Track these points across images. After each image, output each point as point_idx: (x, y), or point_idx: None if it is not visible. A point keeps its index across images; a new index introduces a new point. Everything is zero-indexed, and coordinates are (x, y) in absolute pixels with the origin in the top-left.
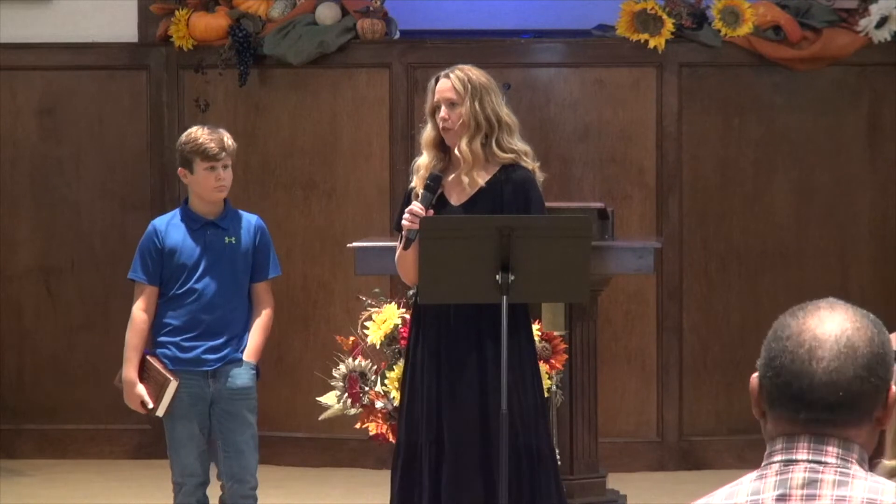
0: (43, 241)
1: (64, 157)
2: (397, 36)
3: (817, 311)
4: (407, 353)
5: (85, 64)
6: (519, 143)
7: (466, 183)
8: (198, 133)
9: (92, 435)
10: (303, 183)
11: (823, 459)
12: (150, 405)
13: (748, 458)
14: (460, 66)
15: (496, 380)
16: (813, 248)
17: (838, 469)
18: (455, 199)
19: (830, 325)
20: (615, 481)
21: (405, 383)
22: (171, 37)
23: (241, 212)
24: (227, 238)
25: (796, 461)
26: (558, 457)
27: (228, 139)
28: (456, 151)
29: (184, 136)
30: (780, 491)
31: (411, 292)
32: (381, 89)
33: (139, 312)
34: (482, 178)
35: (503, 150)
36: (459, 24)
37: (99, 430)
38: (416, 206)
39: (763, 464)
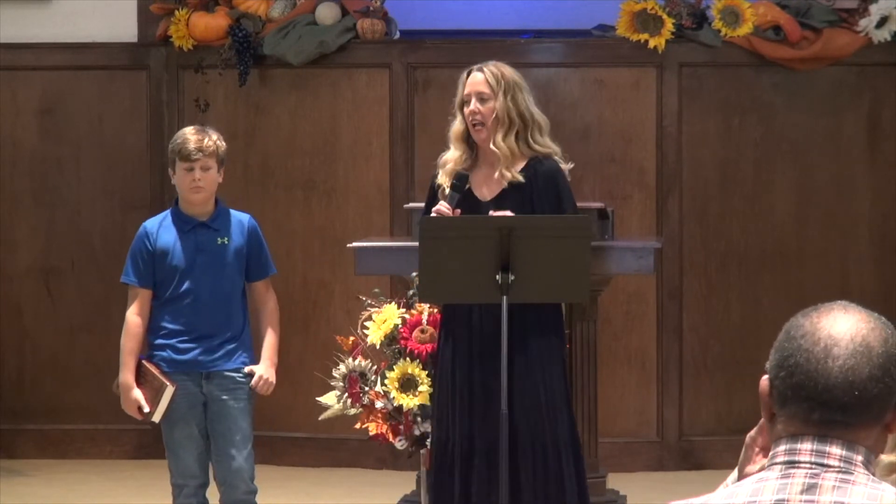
0: (43, 241)
1: (64, 157)
2: (397, 36)
3: (831, 312)
4: (437, 352)
5: (85, 64)
6: (549, 143)
7: (498, 178)
8: (184, 133)
9: (92, 435)
10: (303, 183)
11: (826, 462)
12: (147, 409)
13: None
14: (494, 63)
15: (524, 379)
16: (813, 248)
17: (839, 474)
18: (486, 194)
19: (845, 324)
20: (615, 481)
21: (435, 382)
22: (171, 37)
23: (231, 211)
24: (219, 239)
25: (798, 463)
26: None
27: (211, 141)
28: (491, 146)
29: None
30: (780, 496)
31: (411, 292)
32: (381, 89)
33: (133, 317)
34: (510, 174)
35: (539, 146)
36: (459, 24)
37: (99, 430)
38: (443, 206)
39: (767, 464)
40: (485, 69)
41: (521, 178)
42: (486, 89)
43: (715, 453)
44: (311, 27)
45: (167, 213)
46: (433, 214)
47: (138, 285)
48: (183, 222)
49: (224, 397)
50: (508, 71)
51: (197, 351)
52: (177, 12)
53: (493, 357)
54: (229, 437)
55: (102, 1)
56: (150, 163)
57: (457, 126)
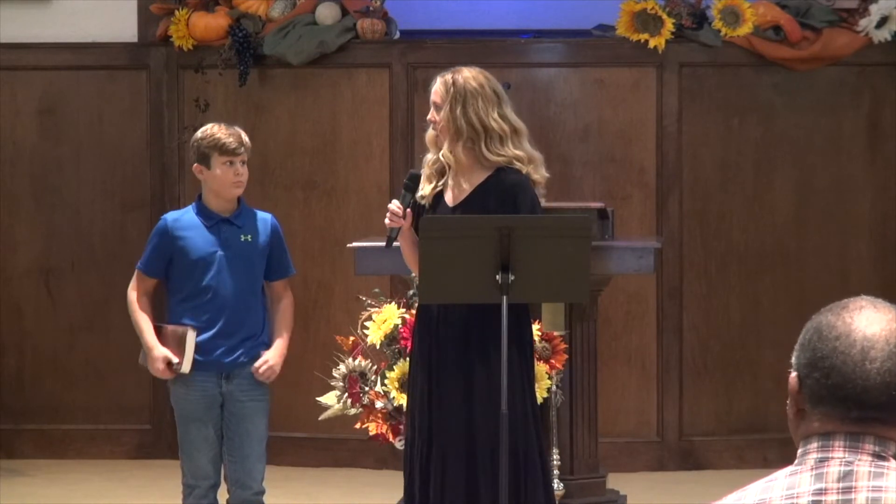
0: (43, 241)
1: (64, 157)
2: (397, 36)
3: (861, 310)
4: (410, 353)
5: (85, 64)
6: (510, 150)
7: (460, 184)
8: (216, 129)
9: (92, 435)
10: (303, 183)
11: (858, 457)
12: (176, 361)
13: (748, 458)
14: (457, 69)
15: (483, 381)
16: (813, 248)
17: (873, 462)
18: (450, 200)
19: (878, 324)
20: (615, 481)
21: (408, 384)
22: (171, 37)
23: (255, 210)
24: (242, 236)
25: (831, 460)
26: (558, 460)
27: (245, 136)
28: (439, 156)
29: (200, 132)
30: (818, 486)
31: (411, 292)
32: (381, 89)
33: (131, 292)
34: (471, 182)
35: (493, 155)
36: (459, 24)
37: (99, 430)
38: (395, 204)
39: (797, 461)
40: (440, 78)
41: (470, 186)
42: (438, 99)
43: (715, 453)
44: (311, 27)
45: (190, 207)
46: (388, 214)
47: (144, 273)
48: (207, 217)
49: (243, 398)
50: (465, 78)
51: (219, 351)
52: (177, 12)
53: (451, 363)
54: (245, 437)
55: (102, 1)
56: (150, 163)
57: (430, 132)
